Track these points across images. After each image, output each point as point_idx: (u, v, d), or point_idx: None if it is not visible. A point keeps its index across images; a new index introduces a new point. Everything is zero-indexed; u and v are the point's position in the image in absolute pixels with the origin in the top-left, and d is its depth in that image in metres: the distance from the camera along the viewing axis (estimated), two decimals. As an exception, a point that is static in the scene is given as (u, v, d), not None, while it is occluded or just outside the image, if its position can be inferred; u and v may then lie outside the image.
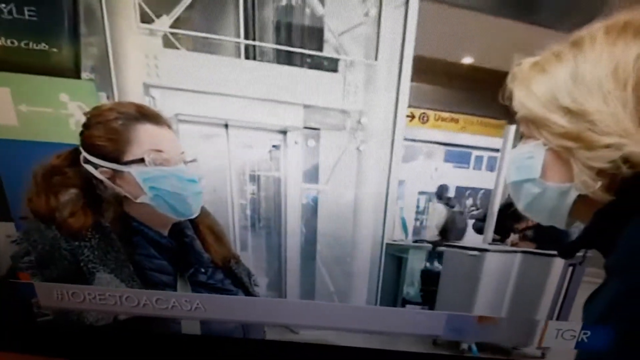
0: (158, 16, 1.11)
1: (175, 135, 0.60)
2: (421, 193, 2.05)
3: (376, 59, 1.26)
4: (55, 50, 0.89)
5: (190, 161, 0.61)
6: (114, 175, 0.56)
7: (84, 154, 0.56)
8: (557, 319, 1.33)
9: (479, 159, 2.08)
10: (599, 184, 0.43)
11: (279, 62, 1.23)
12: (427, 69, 1.43)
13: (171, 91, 1.15)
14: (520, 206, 0.54)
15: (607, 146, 0.41)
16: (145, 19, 1.08)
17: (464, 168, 2.03)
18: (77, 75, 0.95)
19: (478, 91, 1.65)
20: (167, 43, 1.14)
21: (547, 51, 0.48)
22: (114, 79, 1.03)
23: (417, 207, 2.02)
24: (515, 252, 1.40)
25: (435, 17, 1.16)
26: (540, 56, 0.49)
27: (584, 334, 0.56)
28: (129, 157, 0.55)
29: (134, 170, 0.54)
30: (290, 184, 1.38)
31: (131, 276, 0.55)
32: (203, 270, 0.62)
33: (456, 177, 1.97)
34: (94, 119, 0.56)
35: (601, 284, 0.48)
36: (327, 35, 1.24)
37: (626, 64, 0.41)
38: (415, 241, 1.76)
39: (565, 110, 0.44)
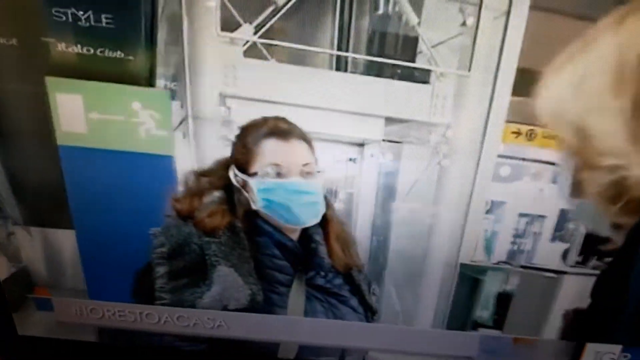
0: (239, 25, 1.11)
1: (309, 146, 0.66)
2: (522, 215, 1.91)
3: (469, 70, 1.17)
4: (130, 58, 0.88)
5: (317, 172, 0.67)
6: (244, 183, 0.64)
7: (232, 162, 0.65)
8: None
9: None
10: (611, 206, 0.40)
11: (369, 73, 1.21)
12: (530, 82, 1.29)
13: (248, 101, 1.16)
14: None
15: (604, 168, 0.39)
16: (225, 27, 1.08)
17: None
18: (151, 84, 0.95)
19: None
20: (251, 53, 1.16)
21: (565, 52, 0.44)
22: (187, 89, 1.04)
23: (516, 229, 1.88)
24: (594, 275, 1.23)
25: (542, 27, 1.04)
26: (560, 57, 0.45)
27: (624, 356, 0.51)
28: (252, 169, 0.64)
29: (252, 181, 0.62)
30: (362, 199, 1.36)
31: (250, 272, 0.60)
32: (323, 273, 0.67)
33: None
34: (241, 134, 0.66)
35: None
36: (420, 45, 1.18)
37: (630, 69, 0.37)
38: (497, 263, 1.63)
39: (571, 123, 0.42)
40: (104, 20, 0.82)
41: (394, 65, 1.20)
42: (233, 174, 0.64)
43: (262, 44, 1.17)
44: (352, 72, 1.27)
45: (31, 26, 0.82)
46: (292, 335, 0.65)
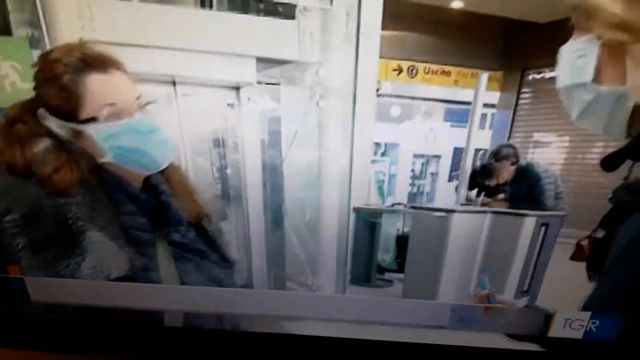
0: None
1: (128, 76, 0.54)
2: (417, 156, 1.93)
3: (331, 3, 1.15)
4: None
5: (148, 103, 0.55)
6: (75, 134, 0.51)
7: (40, 111, 0.51)
8: (530, 283, 1.25)
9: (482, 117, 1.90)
10: None
11: (233, 10, 1.15)
12: (399, 15, 1.29)
13: (111, 47, 1.10)
14: (573, 115, 0.47)
15: None
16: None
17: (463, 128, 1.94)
18: (8, 33, 0.89)
19: (470, 40, 1.50)
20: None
21: None
22: (45, 34, 0.96)
23: (413, 170, 1.90)
24: (485, 212, 1.31)
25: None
26: None
27: (593, 323, 0.53)
28: (83, 115, 0.51)
29: (90, 129, 0.51)
30: (247, 147, 1.32)
31: (119, 233, 0.52)
32: (179, 228, 0.59)
33: (455, 138, 1.84)
34: (43, 74, 0.52)
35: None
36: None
37: None
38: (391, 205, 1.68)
39: None
40: None
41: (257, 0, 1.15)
42: (55, 124, 0.51)
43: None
44: (217, 10, 1.20)
45: None
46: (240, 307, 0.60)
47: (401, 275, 1.63)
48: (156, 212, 0.58)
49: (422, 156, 1.89)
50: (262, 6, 1.16)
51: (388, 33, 1.28)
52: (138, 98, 0.54)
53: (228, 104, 1.28)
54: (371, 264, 1.68)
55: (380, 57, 1.25)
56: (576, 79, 0.45)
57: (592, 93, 0.44)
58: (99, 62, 0.52)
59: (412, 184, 1.92)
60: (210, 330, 0.66)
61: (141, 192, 0.56)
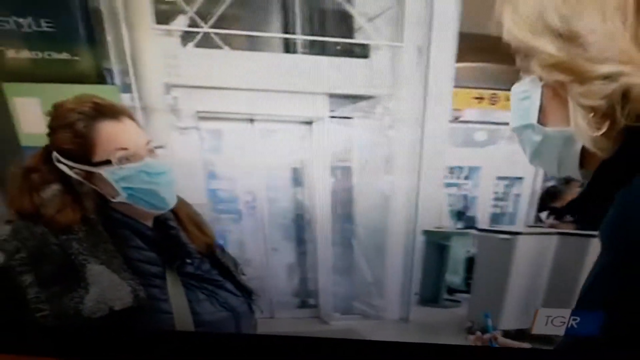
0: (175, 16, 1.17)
1: (137, 124, 0.59)
2: (500, 178, 1.89)
3: (402, 41, 1.20)
4: (77, 58, 0.94)
5: (158, 147, 0.59)
6: (87, 175, 0.56)
7: (55, 154, 0.56)
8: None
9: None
10: (597, 130, 0.35)
11: (312, 53, 1.28)
12: (474, 47, 1.28)
13: (193, 89, 1.22)
14: (527, 157, 0.47)
15: (602, 77, 0.34)
16: (160, 20, 1.13)
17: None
18: (102, 81, 1.00)
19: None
20: (198, 43, 1.22)
21: None
22: (133, 82, 1.13)
23: (496, 193, 1.87)
24: (551, 234, 1.24)
25: None
26: None
27: (574, 319, 0.53)
28: (96, 158, 0.55)
29: (104, 172, 0.55)
30: (317, 176, 1.42)
31: (122, 267, 0.55)
32: (189, 261, 0.63)
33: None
34: (57, 122, 0.56)
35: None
36: (358, 21, 1.22)
37: None
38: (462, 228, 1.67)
39: (554, 32, 0.37)
40: (43, 24, 0.88)
41: (335, 43, 1.24)
42: (66, 166, 0.55)
43: (215, 33, 1.22)
44: (301, 52, 1.32)
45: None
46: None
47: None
48: (165, 246, 0.61)
49: (505, 178, 1.87)
50: (339, 47, 1.25)
51: (465, 65, 1.28)
52: (148, 143, 0.57)
53: (301, 137, 1.40)
54: (439, 285, 1.69)
55: (458, 86, 1.27)
56: (524, 121, 0.44)
57: (540, 135, 0.43)
58: (111, 111, 0.56)
59: (496, 206, 1.90)
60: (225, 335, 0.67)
61: (151, 229, 0.60)
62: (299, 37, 1.30)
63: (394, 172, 1.38)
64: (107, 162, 0.54)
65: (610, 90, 0.33)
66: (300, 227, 1.56)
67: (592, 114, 0.35)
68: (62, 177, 0.56)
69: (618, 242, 0.36)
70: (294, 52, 1.35)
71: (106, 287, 0.54)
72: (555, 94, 0.39)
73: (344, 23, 1.27)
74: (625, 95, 0.33)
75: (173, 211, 0.63)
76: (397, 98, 1.26)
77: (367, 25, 1.24)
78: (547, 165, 0.45)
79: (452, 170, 1.77)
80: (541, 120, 0.42)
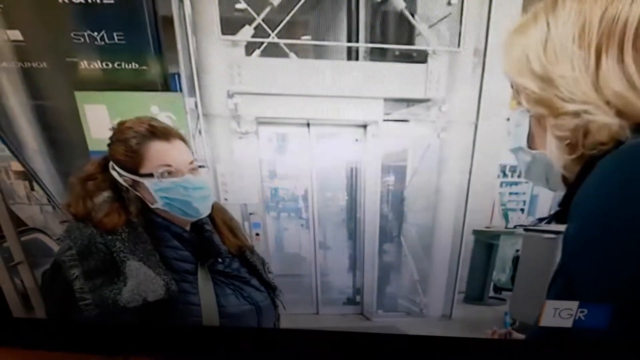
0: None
1: (187, 145, 0.69)
2: None
3: (459, 46, 1.23)
4: (144, 67, 1.01)
5: (200, 167, 0.69)
6: (134, 183, 0.65)
7: (111, 163, 0.66)
8: None
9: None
10: (567, 156, 0.43)
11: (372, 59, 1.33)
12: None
13: (253, 96, 1.29)
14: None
15: (570, 113, 0.41)
16: (226, 30, 1.19)
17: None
18: (166, 88, 1.06)
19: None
20: (264, 51, 1.28)
21: (530, 11, 0.47)
22: (197, 89, 1.21)
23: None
24: None
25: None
26: (524, 17, 0.48)
27: (581, 312, 0.56)
28: (143, 170, 0.64)
29: (147, 182, 0.64)
30: (369, 177, 1.47)
31: (158, 264, 0.63)
32: (221, 260, 0.71)
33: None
34: (117, 136, 0.66)
35: None
36: (418, 28, 1.26)
37: (592, 23, 0.40)
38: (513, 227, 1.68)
39: (536, 75, 0.44)
40: (116, 37, 0.95)
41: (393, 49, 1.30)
42: (118, 174, 0.65)
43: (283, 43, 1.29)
44: (363, 59, 1.38)
45: (57, 49, 0.97)
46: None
47: (517, 294, 1.62)
48: (200, 246, 0.69)
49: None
50: (397, 53, 1.30)
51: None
52: (191, 162, 0.66)
53: (355, 140, 1.45)
54: (485, 283, 1.71)
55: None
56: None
57: (529, 156, 0.50)
58: (163, 133, 0.65)
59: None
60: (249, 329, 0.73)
61: (187, 232, 0.68)
62: (365, 45, 1.35)
63: (446, 172, 1.41)
64: (151, 175, 0.63)
65: (574, 125, 0.41)
66: (350, 226, 1.62)
67: (565, 142, 0.42)
68: (113, 185, 0.65)
69: (578, 211, 0.42)
70: (356, 58, 1.41)
71: (142, 281, 0.61)
72: (539, 123, 0.47)
73: (405, 29, 1.31)
74: (586, 129, 0.40)
75: (210, 217, 0.72)
76: (451, 101, 1.30)
77: (427, 32, 1.28)
78: (538, 180, 0.52)
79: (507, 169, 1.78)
80: (530, 144, 0.50)
